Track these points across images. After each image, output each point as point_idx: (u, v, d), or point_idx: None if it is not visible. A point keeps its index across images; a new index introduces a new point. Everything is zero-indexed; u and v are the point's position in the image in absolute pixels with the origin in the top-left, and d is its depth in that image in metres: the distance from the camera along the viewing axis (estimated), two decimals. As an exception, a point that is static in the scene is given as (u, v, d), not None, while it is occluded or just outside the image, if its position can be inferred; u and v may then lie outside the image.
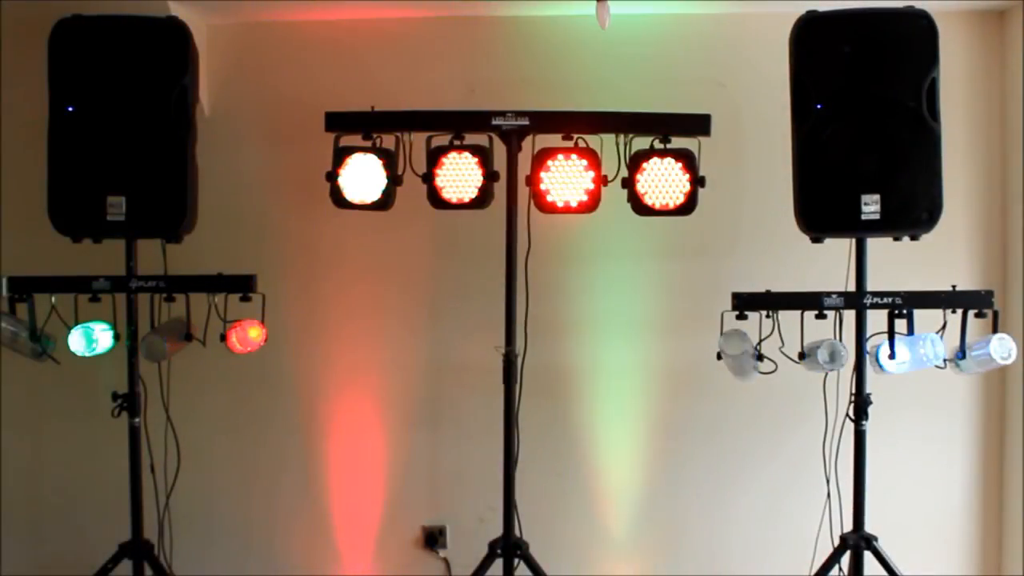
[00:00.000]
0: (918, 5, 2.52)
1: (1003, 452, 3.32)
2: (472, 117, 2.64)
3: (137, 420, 2.77)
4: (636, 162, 2.61)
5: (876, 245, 2.64)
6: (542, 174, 2.61)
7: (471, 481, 3.37)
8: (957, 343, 2.58)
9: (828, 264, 2.68)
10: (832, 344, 2.55)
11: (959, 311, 2.56)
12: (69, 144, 2.60)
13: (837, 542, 2.70)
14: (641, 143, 2.63)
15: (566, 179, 2.61)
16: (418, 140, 2.67)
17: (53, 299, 2.64)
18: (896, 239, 2.61)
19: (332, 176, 2.65)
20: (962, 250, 3.29)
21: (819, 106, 2.53)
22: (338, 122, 2.67)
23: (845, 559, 2.67)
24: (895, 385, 2.78)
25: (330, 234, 3.34)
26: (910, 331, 2.56)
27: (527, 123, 2.62)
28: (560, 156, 2.61)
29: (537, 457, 3.09)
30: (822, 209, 2.55)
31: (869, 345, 2.65)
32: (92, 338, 2.66)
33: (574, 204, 2.62)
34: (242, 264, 2.74)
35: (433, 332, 3.38)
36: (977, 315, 2.57)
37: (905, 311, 2.56)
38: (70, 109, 2.60)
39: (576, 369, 3.35)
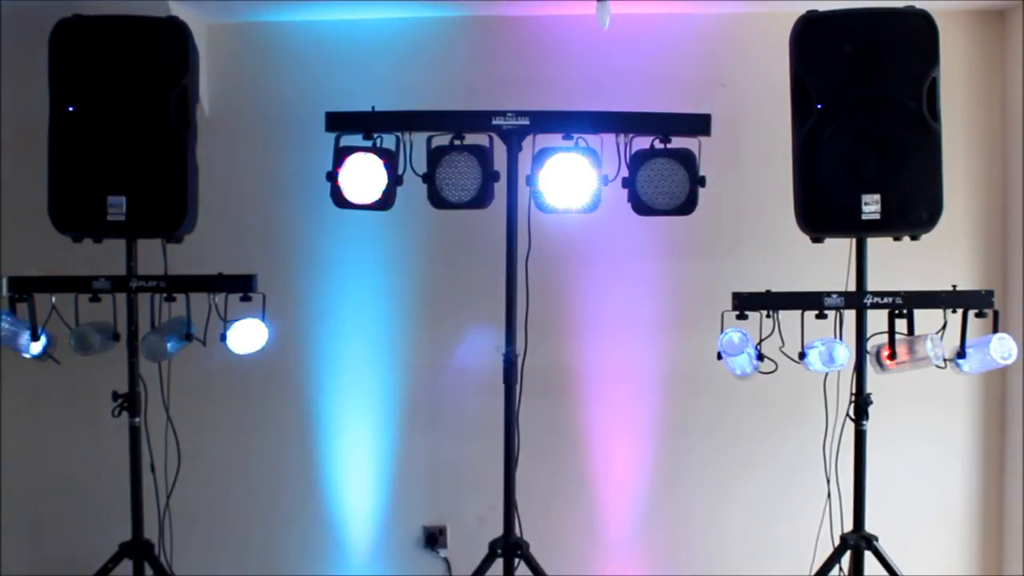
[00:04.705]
0: (918, 5, 2.51)
1: (1003, 452, 3.32)
2: (472, 117, 2.63)
3: (137, 420, 2.76)
4: (636, 162, 2.61)
5: (876, 245, 2.64)
6: (542, 174, 2.61)
7: (471, 481, 3.37)
8: (957, 343, 2.58)
9: (828, 264, 2.68)
10: (832, 344, 2.55)
11: (959, 311, 2.56)
12: (69, 144, 2.60)
13: (837, 542, 2.69)
14: (641, 143, 2.63)
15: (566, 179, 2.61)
16: (418, 140, 2.66)
17: (53, 299, 2.64)
18: (896, 239, 2.60)
19: (332, 176, 2.65)
20: (962, 250, 3.30)
21: (819, 106, 2.52)
22: (338, 122, 2.66)
23: (845, 559, 2.67)
24: (895, 385, 2.78)
25: (330, 234, 3.34)
26: (910, 331, 2.57)
27: (527, 123, 2.61)
28: (560, 156, 2.61)
29: (537, 457, 3.09)
30: (822, 209, 2.55)
31: (869, 345, 2.65)
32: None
33: (574, 204, 2.62)
34: (242, 264, 2.74)
35: (433, 332, 3.38)
36: (977, 315, 2.56)
37: (905, 311, 2.56)
38: (70, 109, 2.59)
39: (576, 369, 3.35)
